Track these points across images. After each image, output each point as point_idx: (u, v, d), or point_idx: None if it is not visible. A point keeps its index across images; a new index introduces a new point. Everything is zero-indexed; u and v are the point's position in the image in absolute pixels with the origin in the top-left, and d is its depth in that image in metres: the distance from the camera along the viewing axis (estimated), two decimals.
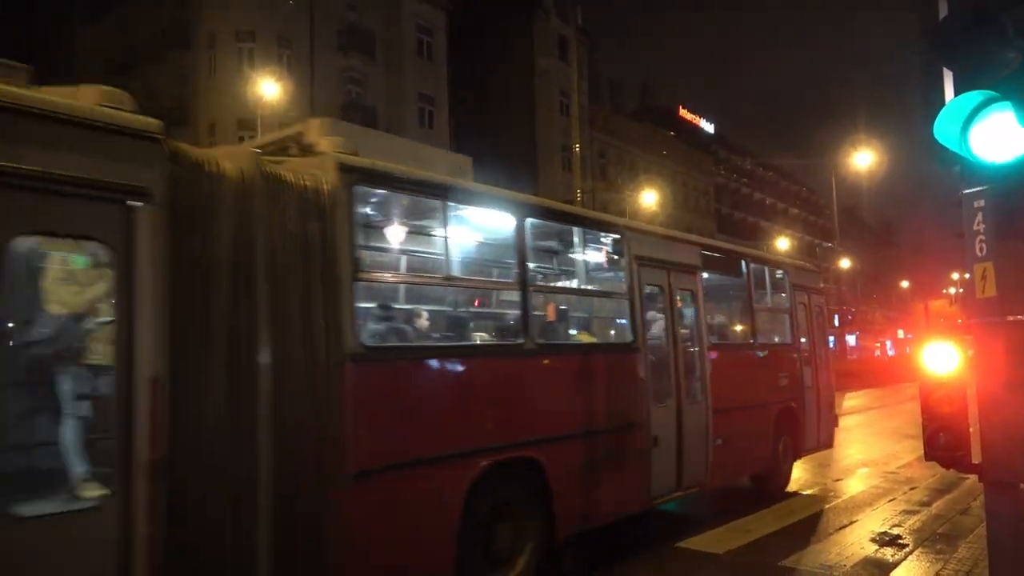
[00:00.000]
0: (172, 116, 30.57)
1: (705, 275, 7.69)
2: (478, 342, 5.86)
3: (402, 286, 6.15)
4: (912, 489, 9.31)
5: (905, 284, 75.42)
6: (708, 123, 54.77)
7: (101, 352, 3.55)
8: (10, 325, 3.60)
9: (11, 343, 3.60)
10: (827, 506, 8.47)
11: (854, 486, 9.67)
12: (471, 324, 6.30)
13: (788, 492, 9.08)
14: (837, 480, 10.07)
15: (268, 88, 23.26)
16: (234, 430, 3.51)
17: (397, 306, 5.73)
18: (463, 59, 37.44)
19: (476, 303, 7.07)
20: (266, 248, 3.73)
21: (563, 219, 6.62)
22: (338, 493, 3.83)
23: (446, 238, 4.88)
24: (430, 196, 4.97)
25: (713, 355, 7.51)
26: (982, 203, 3.17)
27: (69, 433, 3.51)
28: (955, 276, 66.67)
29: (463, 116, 37.79)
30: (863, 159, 32.63)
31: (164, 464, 3.23)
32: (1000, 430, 3.11)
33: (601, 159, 42.66)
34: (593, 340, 6.98)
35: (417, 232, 5.83)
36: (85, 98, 3.36)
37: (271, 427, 3.62)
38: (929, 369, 3.28)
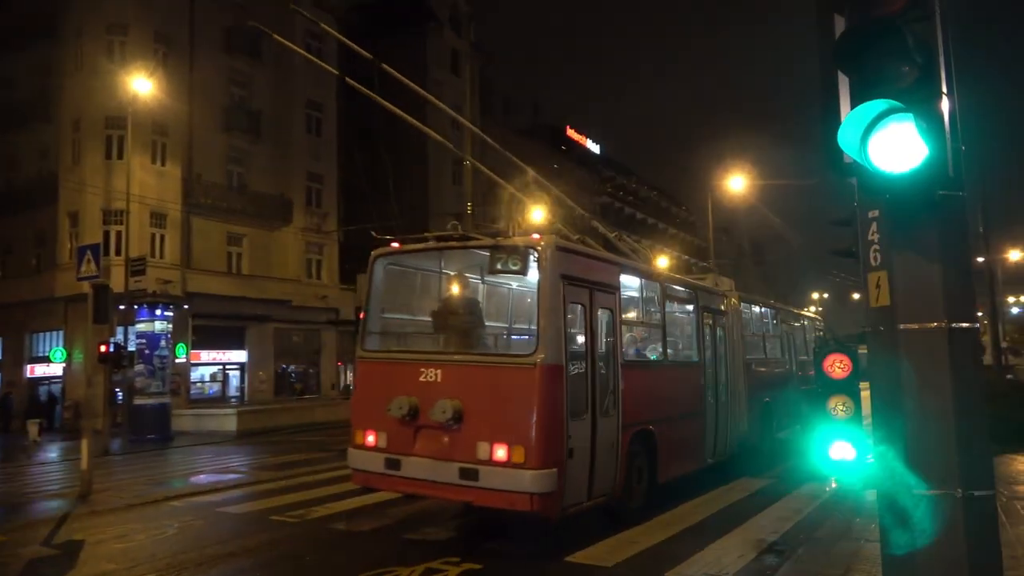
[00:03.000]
0: (30, 109, 28.26)
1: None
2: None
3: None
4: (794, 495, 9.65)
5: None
6: (594, 144, 56.28)
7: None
8: None
9: None
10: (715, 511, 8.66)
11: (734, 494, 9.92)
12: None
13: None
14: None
15: (141, 85, 21.76)
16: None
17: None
18: (355, 67, 36.68)
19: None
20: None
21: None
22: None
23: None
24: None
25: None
26: (876, 214, 3.21)
27: None
28: (815, 295, 71.63)
29: (353, 124, 36.98)
30: (737, 183, 34.44)
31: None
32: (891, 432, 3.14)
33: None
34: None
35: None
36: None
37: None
38: (827, 376, 3.29)
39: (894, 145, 2.86)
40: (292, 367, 32.44)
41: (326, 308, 32.62)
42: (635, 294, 9.20)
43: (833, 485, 10.17)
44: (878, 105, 2.80)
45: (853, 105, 2.93)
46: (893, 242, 3.12)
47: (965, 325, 3.00)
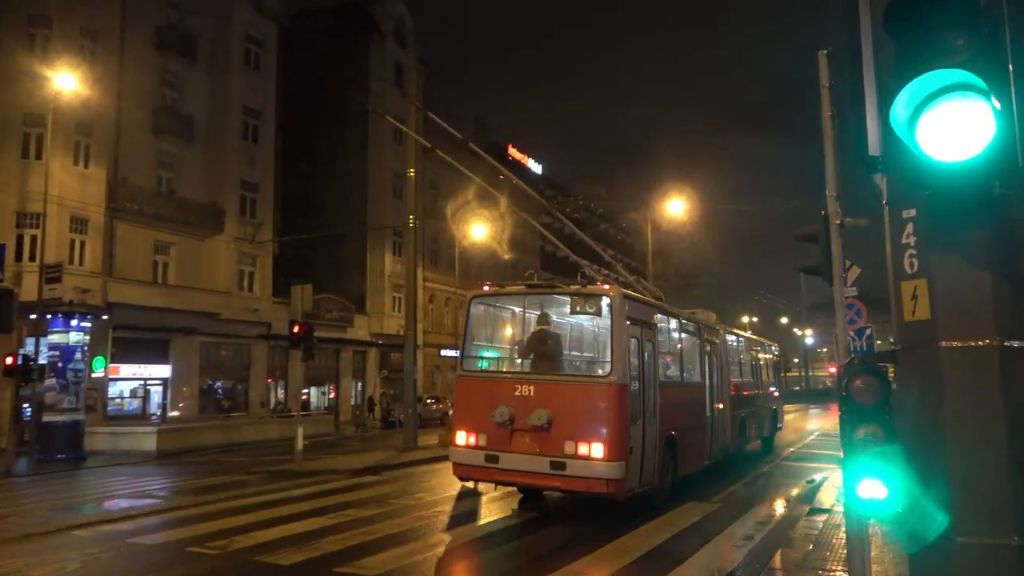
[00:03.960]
0: None
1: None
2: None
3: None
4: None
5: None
6: (536, 163, 56.25)
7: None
8: None
9: None
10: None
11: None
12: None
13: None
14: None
15: (64, 82, 20.33)
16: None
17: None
18: (296, 75, 35.59)
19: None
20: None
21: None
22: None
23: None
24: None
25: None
26: (913, 213, 2.76)
27: None
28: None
29: (292, 134, 35.81)
30: (676, 207, 34.67)
31: None
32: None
33: (432, 189, 42.13)
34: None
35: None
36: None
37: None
38: (854, 401, 2.82)
39: (950, 129, 2.42)
40: (219, 383, 30.81)
41: (258, 322, 31.20)
42: (663, 328, 11.78)
43: (783, 509, 9.99)
44: (942, 77, 2.35)
45: (898, 79, 2.48)
46: (935, 245, 2.67)
47: (1019, 344, 2.56)
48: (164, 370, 28.13)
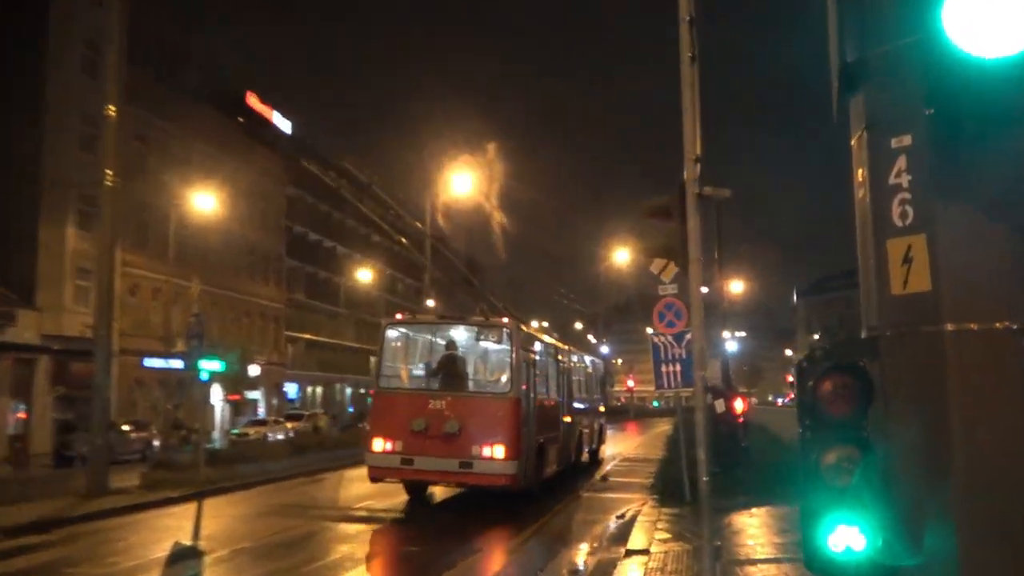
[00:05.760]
0: None
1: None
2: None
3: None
4: None
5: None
6: (284, 120, 53.94)
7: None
8: None
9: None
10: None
11: None
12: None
13: None
14: None
15: None
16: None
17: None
18: None
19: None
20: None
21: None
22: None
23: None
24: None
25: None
26: (909, 140, 2.39)
27: None
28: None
29: None
30: (462, 183, 34.64)
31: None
32: None
33: (140, 143, 38.55)
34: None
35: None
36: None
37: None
38: (823, 411, 2.40)
39: (998, 7, 2.05)
40: None
41: None
42: (540, 352, 17.19)
43: (596, 550, 10.11)
44: None
45: None
46: (942, 185, 2.31)
47: None
48: None
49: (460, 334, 15.90)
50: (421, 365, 16.36)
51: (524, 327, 16.62)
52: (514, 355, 14.54)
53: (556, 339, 20.68)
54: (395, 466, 14.34)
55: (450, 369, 14.94)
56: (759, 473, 15.00)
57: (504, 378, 15.05)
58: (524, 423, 14.39)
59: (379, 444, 14.34)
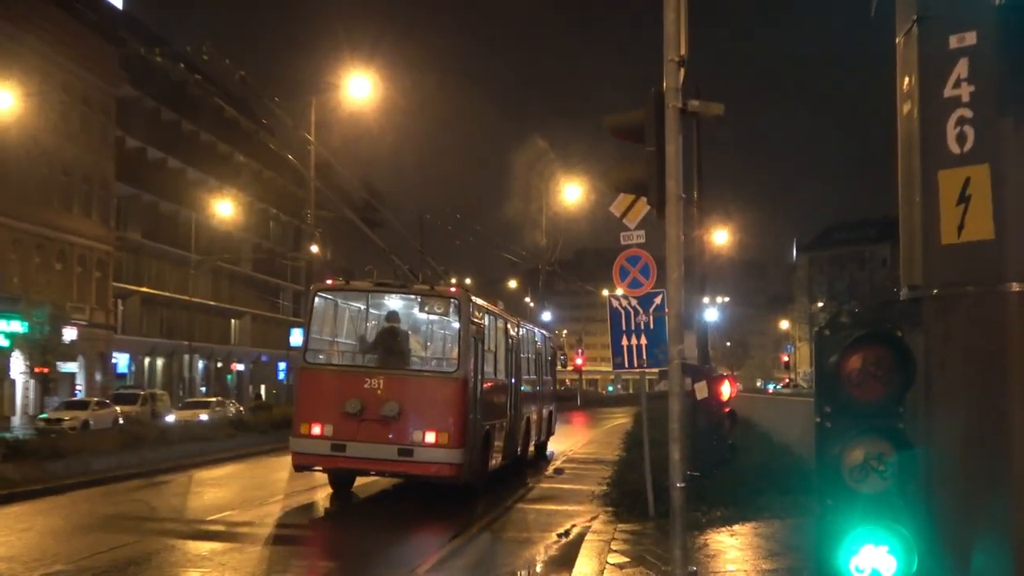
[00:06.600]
0: None
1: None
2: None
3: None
4: None
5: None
6: None
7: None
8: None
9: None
10: None
11: None
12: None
13: None
14: None
15: None
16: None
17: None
18: None
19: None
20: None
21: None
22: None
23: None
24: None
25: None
26: (971, 39, 2.41)
27: None
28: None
29: None
30: (359, 89, 34.31)
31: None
32: None
33: None
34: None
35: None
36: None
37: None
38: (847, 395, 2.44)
39: None
40: None
41: None
42: (490, 327, 19.16)
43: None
44: None
45: None
46: (1015, 101, 2.34)
47: None
48: None
49: (401, 304, 17.82)
50: (355, 338, 18.33)
51: (474, 297, 18.45)
52: (462, 330, 16.55)
53: (501, 309, 22.08)
54: (324, 453, 16.04)
55: (389, 344, 16.91)
56: (742, 481, 15.19)
57: (451, 355, 17.24)
58: (472, 407, 16.42)
59: (305, 428, 16.13)
